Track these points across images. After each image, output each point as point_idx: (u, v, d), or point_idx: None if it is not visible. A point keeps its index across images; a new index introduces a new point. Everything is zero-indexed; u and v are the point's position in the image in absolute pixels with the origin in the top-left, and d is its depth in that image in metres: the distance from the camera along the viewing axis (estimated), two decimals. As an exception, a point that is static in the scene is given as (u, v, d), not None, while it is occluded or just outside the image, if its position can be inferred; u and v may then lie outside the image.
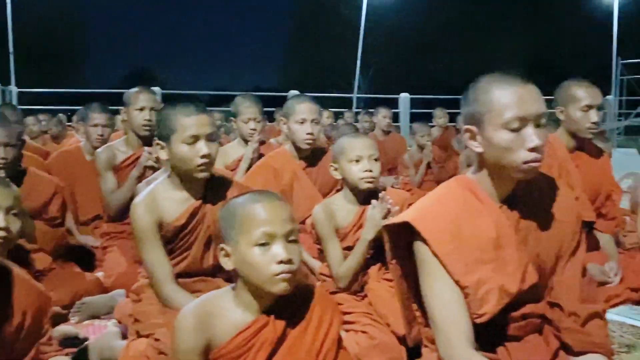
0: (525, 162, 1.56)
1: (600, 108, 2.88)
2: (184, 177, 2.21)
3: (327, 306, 1.59)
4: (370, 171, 2.39)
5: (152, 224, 2.17)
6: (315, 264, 2.69)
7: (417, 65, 26.45)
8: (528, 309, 1.71)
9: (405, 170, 5.96)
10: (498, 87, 1.58)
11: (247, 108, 3.77)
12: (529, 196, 1.72)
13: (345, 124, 6.47)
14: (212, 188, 2.27)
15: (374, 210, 2.32)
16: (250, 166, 3.54)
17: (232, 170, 3.74)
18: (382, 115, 6.54)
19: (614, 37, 17.35)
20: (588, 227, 2.99)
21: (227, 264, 1.51)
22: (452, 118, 8.94)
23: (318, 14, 28.19)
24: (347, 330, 2.30)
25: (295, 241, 1.49)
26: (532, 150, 1.55)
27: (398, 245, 1.76)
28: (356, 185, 2.42)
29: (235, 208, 1.51)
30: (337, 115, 11.86)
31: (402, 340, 2.13)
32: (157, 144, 2.21)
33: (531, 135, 1.55)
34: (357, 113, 9.39)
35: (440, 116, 8.32)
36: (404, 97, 15.12)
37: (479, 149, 1.65)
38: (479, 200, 1.69)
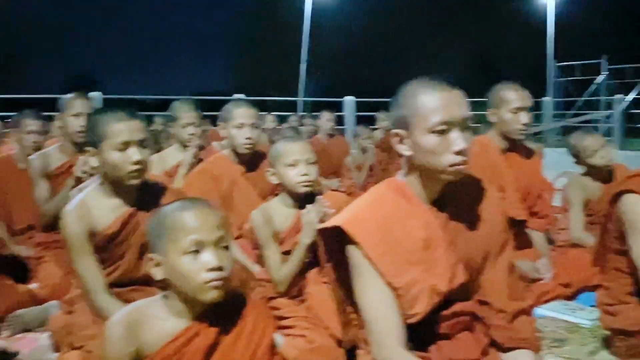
0: (452, 165, 1.60)
1: (529, 110, 2.98)
2: (115, 184, 2.17)
3: (260, 313, 1.58)
4: (307, 175, 2.40)
5: (83, 232, 2.12)
6: (256, 269, 2.68)
7: (362, 69, 26.69)
8: (458, 307, 1.75)
9: (348, 173, 6.02)
10: (424, 92, 1.62)
11: (184, 113, 3.72)
12: (457, 197, 1.77)
13: (288, 128, 6.47)
14: (145, 195, 2.24)
15: (310, 214, 2.33)
16: (189, 172, 3.50)
17: (170, 177, 3.69)
18: (325, 119, 6.58)
19: (549, 40, 17.96)
20: (520, 225, 3.09)
21: (157, 273, 1.49)
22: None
23: (262, 17, 28.13)
24: (286, 335, 2.30)
25: (226, 247, 1.48)
26: (458, 153, 1.59)
27: (332, 249, 1.77)
28: (294, 190, 2.42)
29: (163, 216, 1.49)
30: (283, 119, 11.86)
31: (341, 343, 2.15)
32: (88, 150, 2.16)
33: (457, 139, 1.59)
34: (302, 116, 9.40)
35: (383, 119, 8.43)
36: (349, 100, 15.22)
37: (408, 153, 1.68)
38: (409, 202, 1.72)
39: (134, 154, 2.09)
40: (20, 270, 3.36)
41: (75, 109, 3.36)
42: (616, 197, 2.10)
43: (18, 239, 3.68)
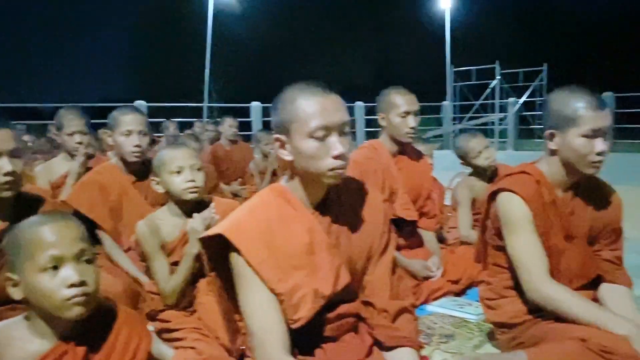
0: (331, 169, 1.62)
1: (416, 114, 3.07)
2: None
3: (134, 327, 1.52)
4: (193, 181, 2.35)
5: None
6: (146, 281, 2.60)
7: (267, 74, 26.71)
8: (343, 309, 1.76)
9: (251, 178, 5.97)
10: (303, 97, 1.62)
11: (70, 121, 3.55)
12: (340, 201, 1.79)
13: (186, 135, 6.33)
14: (21, 208, 2.09)
15: (195, 222, 2.28)
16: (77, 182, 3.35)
17: (57, 188, 3.52)
18: (227, 125, 6.49)
19: (447, 46, 18.70)
20: (412, 226, 3.18)
21: (15, 294, 1.40)
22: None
23: (166, 24, 27.54)
24: (175, 348, 2.25)
25: (89, 261, 1.41)
26: (337, 157, 1.61)
27: (215, 258, 1.74)
28: (180, 197, 2.36)
29: (19, 232, 1.40)
30: (187, 126, 11.63)
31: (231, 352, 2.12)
32: None
33: (335, 144, 1.60)
34: (206, 123, 9.26)
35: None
36: (256, 106, 15.18)
37: (289, 158, 1.68)
38: (292, 207, 1.72)
39: (5, 165, 1.97)
40: None
41: None
42: (493, 195, 2.20)
43: None
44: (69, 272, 1.36)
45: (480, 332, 2.56)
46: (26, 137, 6.86)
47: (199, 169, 2.39)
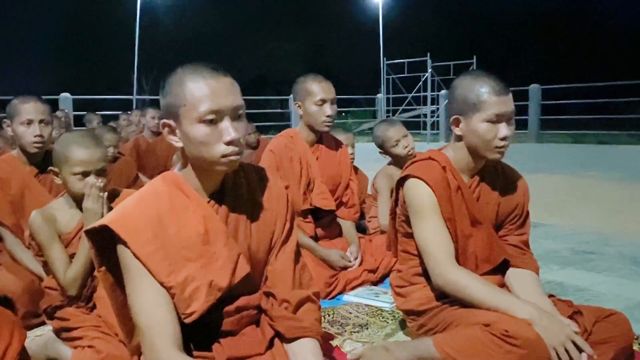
0: (224, 156, 1.54)
1: (333, 102, 3.02)
2: None
3: (3, 321, 1.41)
4: (97, 188, 2.20)
5: None
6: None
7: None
8: (243, 301, 1.69)
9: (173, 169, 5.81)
10: (191, 79, 1.54)
11: None
12: (238, 189, 1.72)
13: (103, 126, 6.07)
14: None
15: (89, 200, 2.15)
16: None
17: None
18: (150, 116, 6.28)
19: (380, 39, 18.86)
20: (330, 215, 3.15)
21: None
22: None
23: (91, 14, 26.59)
24: (74, 347, 2.13)
25: None
26: (229, 143, 1.53)
27: (104, 251, 1.64)
28: (79, 198, 2.22)
29: None
30: (115, 119, 11.27)
31: (132, 350, 2.01)
32: None
33: (227, 129, 1.53)
34: (129, 114, 8.97)
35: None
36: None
37: (179, 144, 1.60)
38: (186, 196, 1.64)
39: None
40: None
41: None
42: (401, 182, 2.18)
43: None
44: None
45: (394, 321, 2.55)
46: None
47: (102, 175, 2.23)
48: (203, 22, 26.83)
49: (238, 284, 1.65)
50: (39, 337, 2.40)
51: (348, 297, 2.86)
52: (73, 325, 2.16)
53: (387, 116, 17.89)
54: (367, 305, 2.75)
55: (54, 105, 12.91)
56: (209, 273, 1.60)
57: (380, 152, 3.60)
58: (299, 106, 3.06)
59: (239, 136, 1.55)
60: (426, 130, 16.78)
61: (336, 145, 3.24)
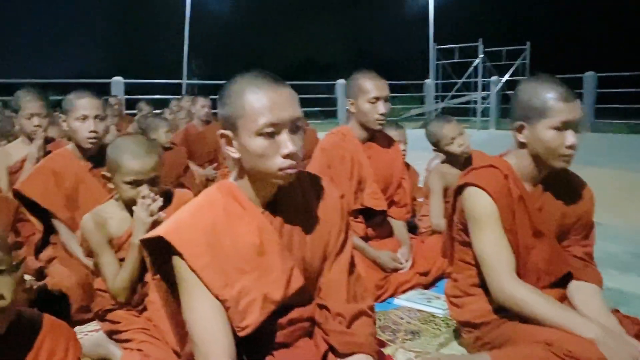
0: (281, 169, 1.50)
1: (386, 100, 2.95)
2: None
3: (58, 339, 1.41)
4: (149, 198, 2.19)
5: None
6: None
7: (246, 50, 26.26)
8: (296, 313, 1.67)
9: (224, 161, 5.83)
10: (251, 91, 1.50)
11: (28, 102, 3.39)
12: (293, 199, 1.68)
13: (154, 116, 6.12)
14: None
15: (137, 211, 2.14)
16: (36, 167, 3.21)
17: (15, 173, 3.38)
18: (200, 105, 6.31)
19: (430, 24, 18.50)
20: (381, 215, 3.08)
21: None
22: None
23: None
24: (123, 349, 2.15)
25: (5, 272, 1.29)
26: (287, 156, 1.49)
27: (159, 260, 1.63)
28: (131, 205, 2.22)
29: None
30: (165, 104, 11.40)
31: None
32: None
33: (285, 142, 1.49)
34: (180, 100, 9.04)
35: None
36: (235, 83, 14.96)
37: (236, 155, 1.56)
38: (241, 206, 1.61)
39: None
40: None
41: None
42: (459, 189, 2.10)
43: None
44: None
45: (447, 329, 2.48)
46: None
47: (156, 184, 2.23)
48: (251, 4, 26.79)
49: (291, 296, 1.62)
50: (92, 334, 2.42)
51: (399, 300, 2.80)
52: (123, 328, 2.17)
53: (436, 102, 17.61)
54: (419, 310, 2.68)
55: (105, 89, 13.18)
56: (263, 285, 1.57)
57: (434, 150, 3.51)
58: (351, 103, 2.99)
59: (297, 149, 1.51)
60: (476, 117, 16.44)
61: (388, 142, 3.17)
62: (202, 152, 6.23)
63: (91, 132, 2.83)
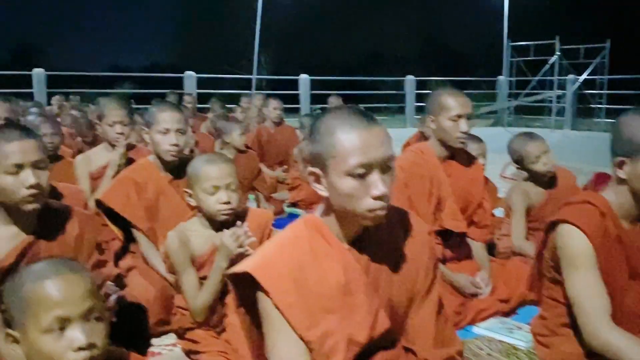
0: (370, 210, 1.46)
1: (469, 117, 2.84)
2: (11, 210, 1.95)
3: None
4: (229, 202, 2.22)
5: None
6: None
7: (315, 44, 26.20)
8: (381, 356, 1.62)
9: (295, 164, 5.85)
10: (342, 130, 1.46)
11: (112, 110, 3.47)
12: (380, 236, 1.63)
13: (227, 116, 6.18)
14: (47, 220, 2.02)
15: (226, 238, 2.16)
16: (117, 173, 3.29)
17: (96, 179, 3.47)
18: (272, 107, 6.37)
19: (504, 19, 17.95)
20: (459, 236, 2.99)
21: (14, 352, 1.29)
22: (349, 100, 8.98)
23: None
24: (202, 370, 2.16)
25: (99, 319, 1.29)
26: (377, 198, 1.44)
27: (243, 294, 1.61)
28: (213, 217, 2.24)
29: (20, 284, 1.28)
30: (234, 98, 11.56)
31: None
32: None
33: (376, 183, 1.44)
34: (251, 96, 9.13)
35: (334, 103, 8.30)
36: (304, 79, 15.00)
37: (324, 193, 1.53)
38: (328, 243, 1.58)
39: (29, 177, 1.88)
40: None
41: None
42: (552, 225, 1.99)
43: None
44: (76, 334, 1.24)
45: (530, 363, 2.38)
46: (74, 112, 6.90)
47: (234, 189, 2.25)
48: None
49: (377, 338, 1.57)
50: (170, 349, 2.45)
51: (479, 329, 2.69)
52: (202, 348, 2.19)
53: (509, 100, 17.11)
54: (500, 341, 2.56)
55: (178, 83, 13.47)
56: (348, 327, 1.53)
57: (517, 168, 3.37)
58: (432, 120, 2.90)
59: (388, 191, 1.46)
60: (551, 116, 15.87)
61: (469, 160, 3.05)
62: (272, 154, 6.28)
63: (172, 145, 2.86)
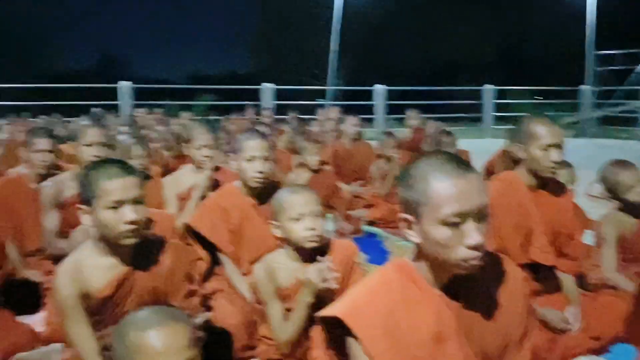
0: (465, 260, 1.43)
1: (560, 146, 2.75)
2: (110, 243, 2.04)
3: None
4: (314, 229, 2.25)
5: (76, 295, 2.02)
6: None
7: (387, 55, 26.03)
8: (472, 404, 1.58)
9: (372, 181, 5.84)
10: (436, 177, 1.44)
11: (200, 134, 3.61)
12: (472, 282, 1.59)
13: (304, 133, 6.25)
14: (143, 252, 2.11)
15: (311, 273, 2.18)
16: (204, 196, 3.40)
17: (183, 199, 3.59)
18: (350, 124, 6.40)
19: (587, 27, 17.30)
20: (548, 269, 2.89)
21: None
22: (425, 111, 8.89)
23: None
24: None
25: None
26: (472, 247, 1.42)
27: (331, 336, 1.62)
28: (300, 245, 2.27)
29: (125, 335, 1.33)
30: (310, 109, 11.67)
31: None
32: (79, 208, 2.04)
33: (471, 232, 1.42)
34: (327, 109, 9.16)
35: (412, 117, 8.23)
36: (379, 89, 14.98)
37: (416, 240, 1.51)
38: (419, 289, 1.56)
39: (128, 213, 1.96)
40: (30, 295, 3.31)
41: (88, 138, 3.30)
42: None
43: (29, 260, 3.63)
44: None
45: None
46: (160, 128, 7.18)
47: (318, 215, 2.28)
48: (394, 6, 26.49)
49: (468, 388, 1.54)
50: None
51: (568, 368, 2.60)
52: (285, 381, 2.21)
53: (593, 110, 16.44)
54: (591, 381, 2.48)
55: (255, 95, 13.75)
56: (440, 375, 1.51)
57: (610, 197, 3.23)
58: (521, 149, 2.81)
59: (483, 240, 1.43)
60: (637, 127, 15.15)
61: (560, 190, 2.94)
62: (349, 170, 6.28)
63: (258, 172, 2.93)
